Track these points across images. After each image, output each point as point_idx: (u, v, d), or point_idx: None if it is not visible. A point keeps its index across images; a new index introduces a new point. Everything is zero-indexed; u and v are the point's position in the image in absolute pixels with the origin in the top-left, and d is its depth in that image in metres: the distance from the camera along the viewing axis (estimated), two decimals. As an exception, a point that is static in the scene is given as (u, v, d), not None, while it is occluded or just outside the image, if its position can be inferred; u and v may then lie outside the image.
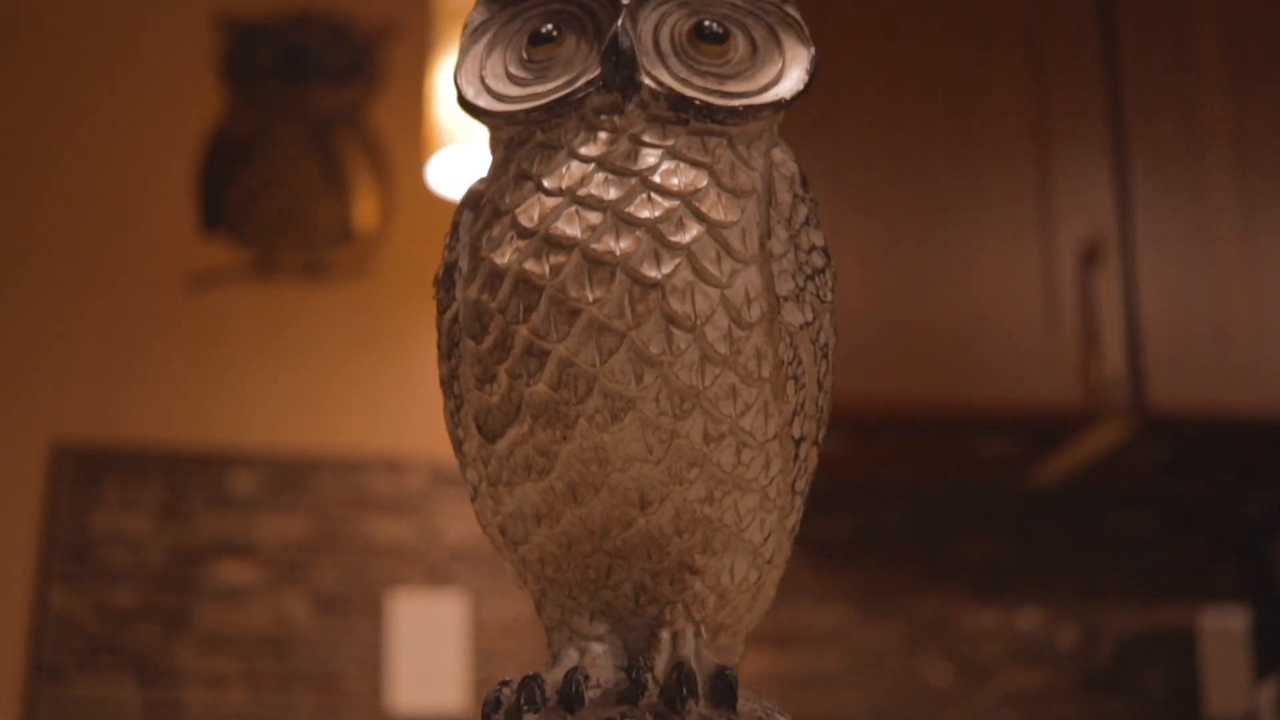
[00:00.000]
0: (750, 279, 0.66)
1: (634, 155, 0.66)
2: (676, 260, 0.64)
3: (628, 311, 0.64)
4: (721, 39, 0.68)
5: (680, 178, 0.66)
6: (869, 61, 2.03)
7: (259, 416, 2.26)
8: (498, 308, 0.66)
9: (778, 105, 0.68)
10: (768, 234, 0.67)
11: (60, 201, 2.31)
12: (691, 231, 0.65)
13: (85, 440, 2.20)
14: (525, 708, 0.65)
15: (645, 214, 0.65)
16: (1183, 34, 2.07)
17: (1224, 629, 2.31)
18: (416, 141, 2.21)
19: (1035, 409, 1.97)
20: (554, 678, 0.67)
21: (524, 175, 0.68)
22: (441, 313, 0.70)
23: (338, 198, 2.33)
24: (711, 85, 0.67)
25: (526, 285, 0.65)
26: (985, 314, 1.96)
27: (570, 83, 0.68)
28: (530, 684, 0.66)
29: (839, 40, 2.01)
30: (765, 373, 0.66)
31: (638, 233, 0.64)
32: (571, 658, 0.69)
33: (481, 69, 0.71)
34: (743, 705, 0.67)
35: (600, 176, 0.66)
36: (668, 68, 0.68)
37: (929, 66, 2.05)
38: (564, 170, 0.66)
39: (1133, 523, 2.34)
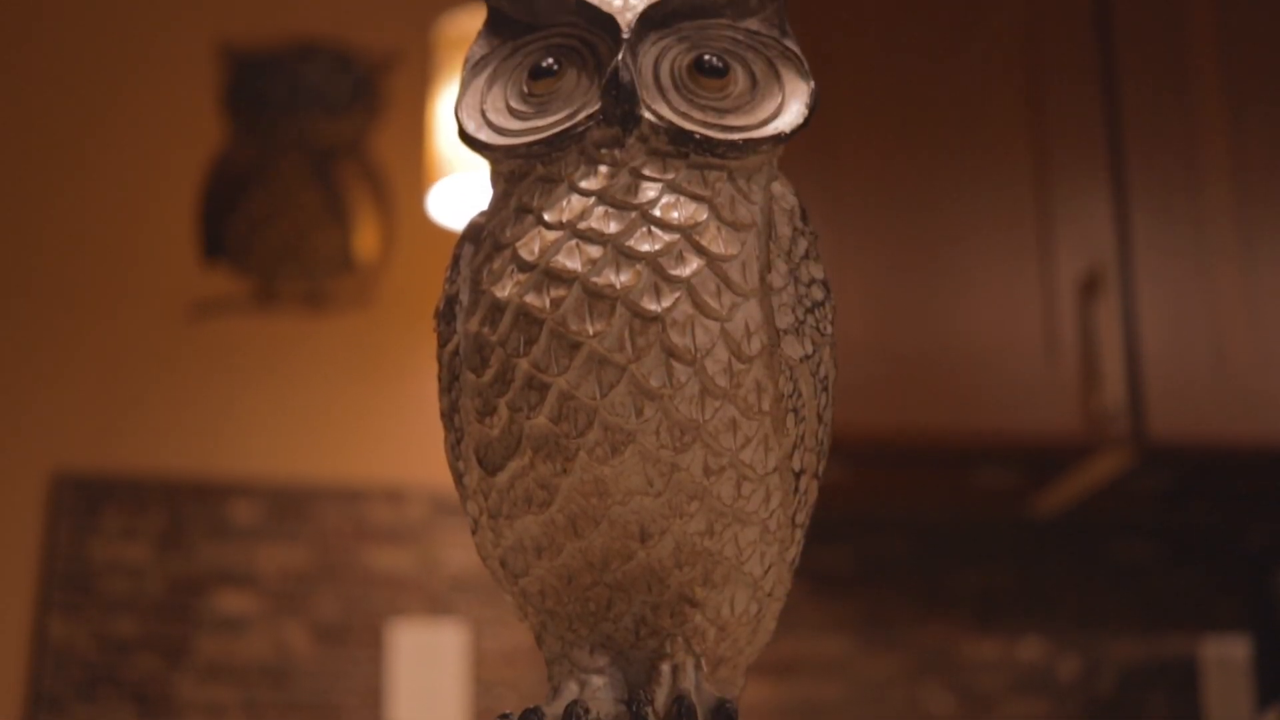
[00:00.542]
0: (750, 312, 0.66)
1: (634, 189, 0.66)
2: (677, 294, 0.65)
3: (628, 345, 0.64)
4: (721, 73, 0.69)
5: (680, 211, 0.66)
6: (869, 93, 2.04)
7: (259, 446, 2.25)
8: (498, 341, 0.67)
9: (777, 139, 0.68)
10: (768, 267, 0.67)
11: (62, 231, 2.31)
12: (691, 265, 0.65)
13: (85, 469, 2.20)
14: (526, 741, 0.65)
15: (645, 247, 0.65)
16: (1181, 66, 2.07)
17: (1226, 658, 2.30)
18: (418, 171, 2.22)
19: (1036, 439, 1.97)
20: (554, 711, 0.67)
21: (525, 209, 0.68)
22: (442, 346, 0.70)
23: (339, 227, 2.34)
24: (711, 119, 0.68)
25: (527, 318, 0.65)
26: (986, 345, 1.96)
27: (571, 116, 0.68)
28: (530, 717, 0.66)
29: (839, 72, 2.01)
30: (765, 406, 0.66)
31: (638, 266, 0.65)
32: (572, 690, 0.69)
33: (482, 103, 0.71)
34: (743, 738, 0.67)
35: (601, 210, 0.66)
36: (668, 102, 0.68)
37: (928, 98, 2.05)
38: (564, 204, 0.66)
39: (1134, 553, 2.34)
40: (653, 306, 0.64)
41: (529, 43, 0.71)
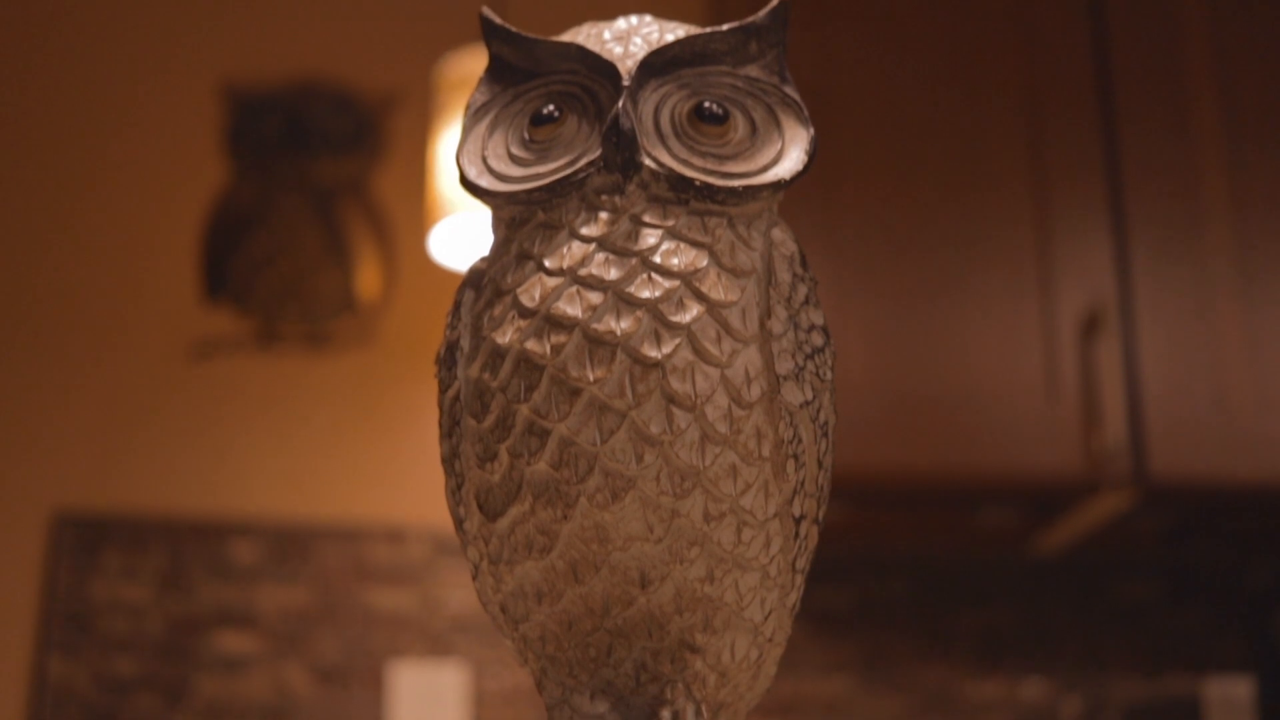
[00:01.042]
0: (750, 358, 0.66)
1: (634, 235, 0.66)
2: (677, 340, 0.65)
3: (628, 391, 0.64)
4: (721, 120, 0.69)
5: (680, 258, 0.66)
6: (869, 134, 2.05)
7: (260, 486, 2.25)
8: (499, 387, 0.67)
9: (777, 186, 0.68)
10: (767, 313, 0.67)
11: (63, 270, 2.32)
12: (692, 311, 0.65)
13: (86, 509, 2.20)
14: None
15: (646, 294, 0.65)
16: (1181, 105, 2.08)
17: (1229, 698, 2.30)
18: (419, 211, 2.22)
19: (1037, 479, 1.97)
20: (555, 756, 0.67)
21: (525, 255, 0.68)
22: (443, 391, 0.70)
23: (340, 268, 2.34)
24: (711, 166, 0.68)
25: (528, 364, 0.66)
26: (986, 384, 1.96)
27: (571, 163, 0.68)
28: (531, 764, 0.66)
29: (839, 113, 2.02)
30: (765, 452, 0.66)
31: (638, 313, 0.65)
32: (572, 736, 0.69)
33: (484, 149, 0.71)
34: (744, 785, 0.66)
35: (601, 256, 0.66)
36: (668, 148, 0.68)
37: (928, 139, 2.06)
38: (565, 250, 0.67)
39: (1136, 592, 2.34)
40: (653, 353, 0.64)
41: (530, 89, 0.72)
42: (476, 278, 0.71)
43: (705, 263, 0.66)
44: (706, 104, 0.69)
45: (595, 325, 0.65)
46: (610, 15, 0.74)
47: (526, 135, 0.70)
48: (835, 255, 1.97)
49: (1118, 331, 1.98)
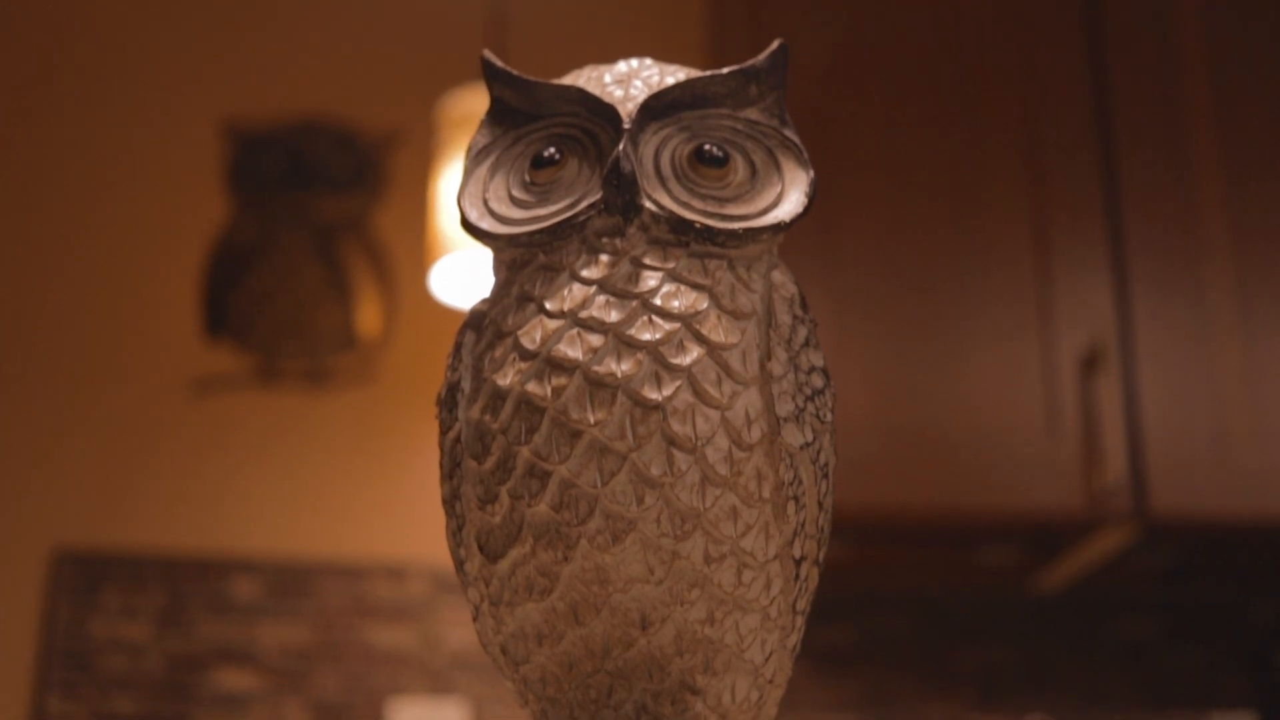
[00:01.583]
0: (750, 400, 0.66)
1: (635, 278, 0.67)
2: (677, 382, 0.65)
3: (629, 433, 0.64)
4: (722, 162, 0.69)
5: (681, 300, 0.66)
6: (868, 171, 2.05)
7: (260, 523, 2.25)
8: (500, 429, 0.67)
9: (777, 228, 0.68)
10: (768, 355, 0.67)
11: (64, 307, 2.32)
12: (692, 354, 0.65)
13: (85, 547, 2.20)
14: (526, 831, 0.65)
15: (646, 336, 0.65)
16: (1180, 140, 2.09)
17: (1231, 736, 2.29)
18: (420, 249, 2.23)
19: (1037, 516, 1.96)
20: (556, 798, 0.67)
21: (526, 297, 0.68)
22: (444, 433, 0.71)
23: (341, 304, 2.35)
24: (711, 208, 0.68)
25: (529, 407, 0.66)
26: (987, 421, 1.96)
27: (572, 206, 0.68)
28: (531, 805, 0.66)
29: (839, 150, 2.03)
30: (766, 493, 0.67)
31: (639, 355, 0.65)
32: (572, 778, 0.69)
33: (485, 191, 0.71)
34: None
35: (602, 299, 0.66)
36: (668, 191, 0.68)
37: (928, 176, 2.07)
38: (566, 292, 0.67)
39: (1137, 629, 2.33)
40: (653, 395, 0.65)
41: (531, 132, 0.72)
42: (478, 319, 0.71)
43: (705, 305, 0.66)
44: (707, 146, 0.69)
45: (596, 367, 0.65)
46: (611, 58, 0.74)
47: (527, 178, 0.71)
48: (836, 292, 1.98)
49: (1118, 368, 1.99)
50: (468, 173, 0.73)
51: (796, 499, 0.68)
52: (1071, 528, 2.00)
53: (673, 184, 0.69)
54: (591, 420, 0.65)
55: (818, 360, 0.70)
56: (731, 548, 0.66)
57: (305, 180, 2.39)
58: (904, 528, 2.02)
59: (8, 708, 2.14)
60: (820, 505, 0.70)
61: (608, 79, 0.71)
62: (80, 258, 2.35)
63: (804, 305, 0.70)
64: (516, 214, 0.70)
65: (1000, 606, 2.31)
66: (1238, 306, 2.03)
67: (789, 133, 0.72)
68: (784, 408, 0.67)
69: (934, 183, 2.07)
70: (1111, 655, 2.32)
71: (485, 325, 0.70)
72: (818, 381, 0.70)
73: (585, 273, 0.67)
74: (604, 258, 0.67)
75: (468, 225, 0.71)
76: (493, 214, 0.70)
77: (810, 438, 0.68)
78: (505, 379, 0.67)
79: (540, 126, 0.72)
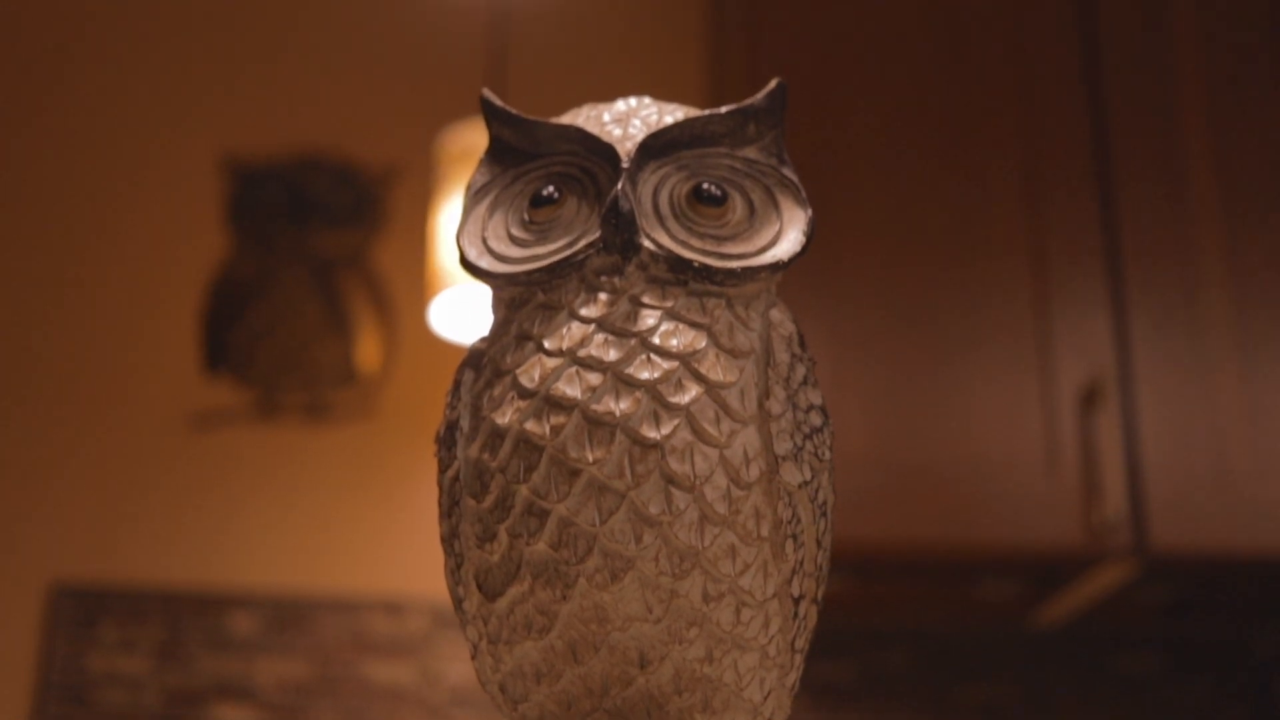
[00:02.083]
0: (749, 439, 0.66)
1: (633, 316, 0.67)
2: (676, 421, 0.65)
3: (627, 472, 0.65)
4: (720, 201, 0.69)
5: (679, 339, 0.66)
6: (867, 206, 2.06)
7: (259, 557, 2.25)
8: (498, 467, 0.67)
9: (775, 267, 0.69)
10: (766, 394, 0.67)
11: (63, 342, 2.32)
12: (690, 392, 0.65)
13: (83, 580, 2.20)
14: None
15: (645, 375, 0.65)
16: (1178, 175, 2.09)
17: (1233, 772, 2.28)
18: (419, 283, 2.23)
19: (1037, 551, 1.96)
20: (554, 838, 0.67)
21: (525, 336, 0.68)
22: (443, 471, 0.71)
23: (341, 339, 2.35)
24: (710, 247, 0.68)
25: (527, 445, 0.66)
26: (986, 456, 1.96)
27: (571, 244, 0.69)
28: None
29: (837, 186, 2.03)
30: (764, 532, 0.67)
31: (637, 393, 0.65)
32: (571, 818, 0.69)
33: (484, 230, 0.72)
34: None
35: (600, 337, 0.66)
36: (667, 230, 0.69)
37: (926, 212, 2.07)
38: (565, 331, 0.67)
39: (1139, 664, 2.32)
40: (652, 434, 0.65)
41: (530, 171, 0.72)
42: (476, 358, 0.71)
43: (704, 344, 0.67)
44: (705, 185, 0.69)
45: (594, 406, 0.65)
46: (610, 97, 0.74)
47: (526, 216, 0.71)
48: (834, 328, 1.98)
49: (1117, 403, 1.99)
50: (467, 211, 0.73)
51: (795, 537, 0.68)
52: (1072, 562, 2.00)
53: (671, 223, 0.69)
54: (590, 459, 0.65)
55: (816, 398, 0.70)
56: (730, 586, 0.66)
57: (305, 215, 2.40)
58: (904, 563, 2.01)
59: (5, 743, 2.14)
60: (819, 543, 0.70)
61: (606, 118, 0.72)
62: (80, 292, 2.35)
63: (802, 343, 0.70)
64: (515, 252, 0.70)
65: (1001, 642, 2.31)
66: (1237, 341, 2.04)
67: (787, 171, 0.72)
68: (782, 446, 0.67)
69: (933, 219, 2.07)
70: (1113, 690, 2.31)
71: (484, 363, 0.70)
72: (816, 420, 0.70)
73: (584, 311, 0.67)
74: (603, 296, 0.67)
75: (467, 264, 0.71)
76: (492, 252, 0.71)
77: (809, 476, 0.68)
78: (504, 417, 0.67)
79: (539, 165, 0.72)
